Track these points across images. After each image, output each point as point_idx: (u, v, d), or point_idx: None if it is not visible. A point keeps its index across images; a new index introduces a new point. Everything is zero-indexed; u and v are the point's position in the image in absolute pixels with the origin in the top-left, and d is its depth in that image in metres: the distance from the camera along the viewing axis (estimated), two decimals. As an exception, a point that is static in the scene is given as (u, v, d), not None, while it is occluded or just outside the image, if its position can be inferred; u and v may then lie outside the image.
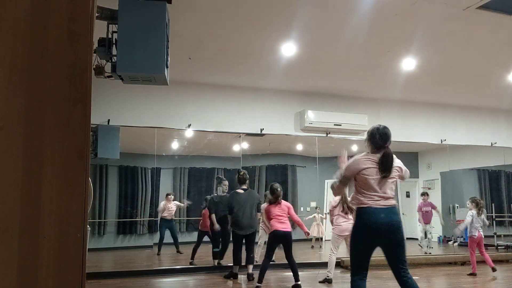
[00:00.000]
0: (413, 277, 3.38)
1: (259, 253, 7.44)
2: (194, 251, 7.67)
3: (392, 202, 3.43)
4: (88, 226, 1.69)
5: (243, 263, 6.55)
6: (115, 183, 9.48)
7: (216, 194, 7.59)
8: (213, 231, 7.33)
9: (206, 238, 7.78)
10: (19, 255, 1.42)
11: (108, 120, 7.10)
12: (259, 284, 5.53)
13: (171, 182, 10.16)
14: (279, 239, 5.66)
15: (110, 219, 9.47)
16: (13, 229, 1.42)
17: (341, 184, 3.59)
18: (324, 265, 7.65)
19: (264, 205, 6.45)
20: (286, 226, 5.68)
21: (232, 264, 6.61)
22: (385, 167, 3.39)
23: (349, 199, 6.20)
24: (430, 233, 9.42)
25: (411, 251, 9.07)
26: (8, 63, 1.48)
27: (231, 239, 6.98)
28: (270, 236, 5.75)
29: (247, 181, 6.68)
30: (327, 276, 6.19)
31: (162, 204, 8.82)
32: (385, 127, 3.55)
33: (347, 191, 6.19)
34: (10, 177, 1.44)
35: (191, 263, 7.57)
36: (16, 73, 1.48)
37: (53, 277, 1.45)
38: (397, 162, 3.53)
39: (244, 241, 6.50)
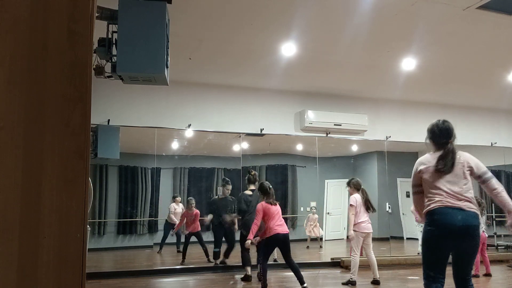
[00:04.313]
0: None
1: None
2: (184, 253, 7.78)
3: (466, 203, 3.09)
4: (88, 226, 1.68)
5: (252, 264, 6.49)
6: (115, 183, 9.47)
7: (217, 196, 7.63)
8: (215, 232, 7.36)
9: (193, 238, 7.87)
10: (19, 255, 1.42)
11: (108, 120, 7.10)
12: None
13: (171, 182, 10.15)
14: (280, 243, 5.34)
15: (110, 219, 9.46)
16: (13, 229, 1.42)
17: (414, 194, 3.29)
18: (324, 265, 7.68)
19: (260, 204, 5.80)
20: (285, 228, 5.37)
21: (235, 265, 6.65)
22: (445, 163, 3.10)
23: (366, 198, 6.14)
24: None
25: (412, 251, 9.07)
26: (8, 63, 1.48)
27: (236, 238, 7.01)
28: (269, 240, 5.34)
29: (256, 182, 6.50)
30: (351, 278, 5.96)
31: (173, 207, 8.77)
32: (445, 121, 3.31)
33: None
34: (10, 177, 1.44)
35: (182, 263, 7.65)
36: (16, 73, 1.48)
37: (53, 277, 1.45)
38: (465, 157, 3.19)
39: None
